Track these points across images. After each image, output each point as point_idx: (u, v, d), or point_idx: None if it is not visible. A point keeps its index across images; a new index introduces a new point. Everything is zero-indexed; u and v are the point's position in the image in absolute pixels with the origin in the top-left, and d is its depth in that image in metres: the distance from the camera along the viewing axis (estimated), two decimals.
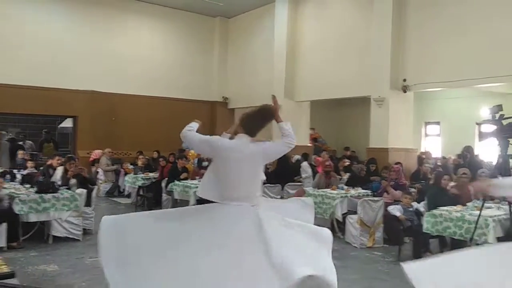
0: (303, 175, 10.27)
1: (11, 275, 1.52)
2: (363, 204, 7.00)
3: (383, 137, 10.29)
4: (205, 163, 10.38)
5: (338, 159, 12.30)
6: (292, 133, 3.21)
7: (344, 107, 15.49)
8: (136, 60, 14.03)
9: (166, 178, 9.49)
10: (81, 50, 13.07)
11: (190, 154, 10.94)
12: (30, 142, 13.34)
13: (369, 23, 10.85)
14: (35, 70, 12.16)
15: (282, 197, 9.02)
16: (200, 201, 8.03)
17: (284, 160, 10.01)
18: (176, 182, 9.02)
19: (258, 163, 3.22)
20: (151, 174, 10.41)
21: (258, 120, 3.31)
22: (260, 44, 14.41)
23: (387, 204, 6.98)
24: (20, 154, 10.96)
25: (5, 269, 4.70)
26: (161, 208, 9.35)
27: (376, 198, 7.31)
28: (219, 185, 3.17)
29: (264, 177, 3.43)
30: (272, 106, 3.35)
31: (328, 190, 7.87)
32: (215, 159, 3.26)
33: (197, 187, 8.53)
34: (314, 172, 9.97)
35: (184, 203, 8.67)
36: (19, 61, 11.99)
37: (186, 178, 9.19)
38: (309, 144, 13.13)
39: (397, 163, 8.90)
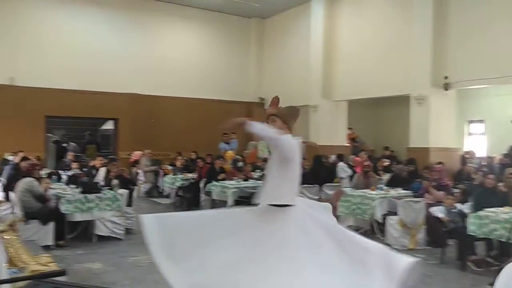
0: (342, 175, 10.17)
1: (62, 273, 1.57)
2: (403, 205, 6.85)
3: (424, 136, 10.04)
4: (239, 164, 10.45)
5: (376, 159, 12.10)
6: None
7: (382, 106, 15.22)
8: (174, 62, 14.27)
9: (204, 179, 9.60)
10: (122, 54, 13.41)
11: (227, 155, 11.04)
12: (73, 144, 13.80)
13: (408, 20, 10.61)
14: (79, 74, 12.56)
15: (320, 198, 8.95)
16: (238, 202, 8.14)
17: (319, 161, 9.94)
18: (214, 182, 9.11)
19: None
20: (189, 175, 10.55)
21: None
22: (296, 43, 14.35)
23: (429, 205, 6.79)
24: (69, 155, 11.37)
25: (54, 266, 4.89)
26: (199, 208, 9.49)
27: (417, 199, 7.14)
28: (292, 187, 3.18)
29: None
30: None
31: (367, 190, 7.75)
32: (289, 161, 3.18)
33: (235, 187, 8.64)
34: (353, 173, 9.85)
35: (222, 203, 8.76)
36: (64, 67, 12.41)
37: (224, 179, 9.27)
38: (347, 144, 12.97)
39: (438, 163, 8.66)
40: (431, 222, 6.49)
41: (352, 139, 13.65)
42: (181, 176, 10.53)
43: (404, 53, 10.66)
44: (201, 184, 9.63)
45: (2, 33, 11.84)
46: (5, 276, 2.68)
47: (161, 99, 13.90)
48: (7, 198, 7.60)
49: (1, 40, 11.79)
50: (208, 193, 9.26)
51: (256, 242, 2.95)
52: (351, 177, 9.74)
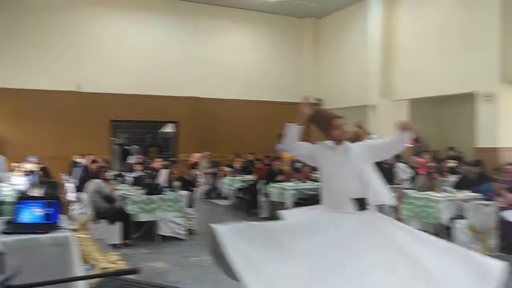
0: (402, 177, 9.82)
1: (135, 271, 1.62)
2: (472, 208, 6.51)
3: (492, 136, 9.51)
4: (298, 165, 10.37)
5: (440, 160, 11.58)
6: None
7: (445, 105, 14.56)
8: (231, 65, 14.47)
9: (263, 181, 9.62)
10: (181, 59, 13.76)
11: (285, 156, 11.00)
12: (136, 146, 14.33)
13: (471, 14, 10.12)
14: (140, 80, 13.04)
15: None
16: (298, 203, 8.09)
17: (377, 161, 9.64)
18: (272, 184, 9.11)
19: (364, 165, 3.13)
20: (248, 177, 10.62)
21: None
22: (353, 42, 14.09)
23: (501, 209, 6.40)
24: (137, 158, 11.83)
25: (122, 264, 5.09)
26: (258, 210, 9.54)
27: (487, 202, 6.75)
28: (329, 194, 3.12)
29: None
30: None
31: (432, 192, 7.43)
32: (321, 167, 3.18)
33: (293, 189, 8.61)
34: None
35: (281, 205, 8.74)
36: (126, 73, 12.93)
37: (282, 180, 9.24)
38: (409, 145, 12.53)
39: (509, 164, 8.15)
40: (505, 227, 6.11)
41: (415, 140, 13.16)
42: (240, 178, 10.62)
43: (468, 49, 10.16)
44: (260, 186, 9.66)
45: (69, 43, 12.52)
46: (81, 272, 2.82)
47: (219, 102, 14.13)
48: (78, 199, 8.03)
49: (69, 49, 12.47)
50: (267, 195, 9.27)
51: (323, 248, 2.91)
52: (412, 178, 9.39)
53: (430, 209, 7.09)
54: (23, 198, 3.14)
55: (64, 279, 2.40)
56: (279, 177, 9.35)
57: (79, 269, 2.91)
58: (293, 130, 3.21)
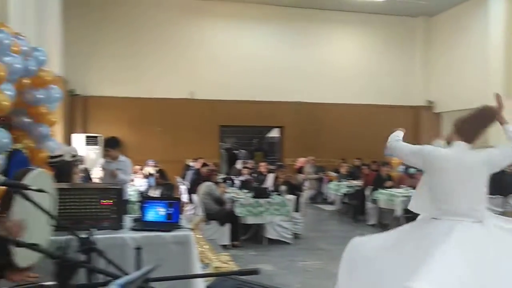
0: None
1: (255, 272, 1.65)
2: None
3: None
4: (412, 170, 9.88)
5: None
6: None
7: None
8: (337, 69, 14.30)
9: (370, 186, 9.35)
10: (287, 64, 13.92)
11: (394, 161, 10.57)
12: (244, 151, 14.79)
13: None
14: (247, 85, 13.45)
15: (505, 211, 7.95)
16: (408, 211, 7.70)
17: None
18: (381, 190, 8.81)
19: (480, 173, 2.84)
20: (354, 182, 10.40)
21: (477, 123, 2.95)
22: (470, 41, 13.08)
23: None
24: (244, 162, 12.27)
25: (232, 264, 5.27)
26: (365, 216, 9.29)
27: None
28: (434, 199, 2.91)
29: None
30: (493, 107, 2.95)
31: None
32: (429, 171, 2.98)
33: (403, 196, 8.21)
34: None
35: (389, 212, 8.42)
36: (234, 79, 13.42)
37: (391, 186, 8.89)
38: None
39: None
40: None
41: None
42: (346, 183, 10.44)
43: None
44: (367, 192, 9.40)
45: (183, 53, 13.34)
46: (199, 270, 2.98)
47: (324, 106, 14.03)
48: (190, 200, 8.51)
49: (183, 59, 13.29)
50: (375, 201, 8.98)
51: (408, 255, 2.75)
52: None
53: None
54: (148, 198, 3.40)
55: (192, 275, 2.56)
56: (388, 183, 9.01)
57: (198, 267, 3.08)
58: (398, 135, 3.18)
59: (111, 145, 5.77)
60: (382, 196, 8.69)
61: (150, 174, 10.03)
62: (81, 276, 1.60)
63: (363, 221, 9.27)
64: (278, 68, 13.79)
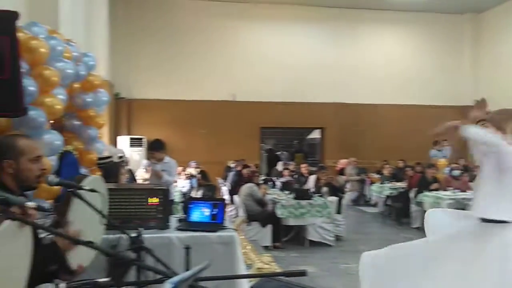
0: None
1: (303, 274, 1.65)
2: None
3: None
4: (456, 172, 9.58)
5: None
6: None
7: None
8: (379, 69, 14.04)
9: (415, 188, 9.12)
10: (328, 64, 13.80)
11: (439, 163, 10.27)
12: (285, 152, 14.79)
13: None
14: (288, 87, 13.42)
15: None
16: None
17: None
18: (426, 193, 8.57)
19: None
20: (398, 184, 10.18)
21: None
22: None
23: None
24: (285, 164, 12.27)
25: (274, 266, 5.27)
26: (409, 219, 9.06)
27: None
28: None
29: None
30: None
31: None
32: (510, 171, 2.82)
33: (450, 198, 7.96)
34: None
35: None
36: (275, 81, 13.42)
37: (437, 189, 8.64)
38: None
39: None
40: None
41: None
42: (389, 185, 10.23)
43: None
44: (411, 194, 9.17)
45: (225, 55, 13.47)
46: (244, 271, 3.01)
47: (366, 107, 13.82)
48: (231, 202, 8.58)
49: (224, 61, 13.42)
50: (419, 204, 8.75)
51: (466, 263, 2.63)
52: None
53: None
54: (193, 199, 3.47)
55: (239, 276, 2.59)
56: (434, 186, 8.76)
57: (242, 268, 3.11)
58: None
59: (156, 148, 5.93)
60: (428, 198, 8.45)
61: (192, 175, 10.20)
62: (131, 274, 1.65)
63: (407, 224, 9.06)
64: (319, 69, 13.70)
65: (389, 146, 13.32)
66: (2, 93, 2.81)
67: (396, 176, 10.97)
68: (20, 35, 3.00)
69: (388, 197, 10.04)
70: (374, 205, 11.16)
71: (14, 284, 1.46)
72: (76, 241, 1.40)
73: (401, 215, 9.36)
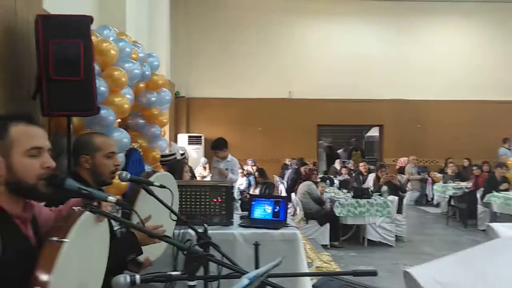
0: None
1: (373, 273, 1.63)
2: None
3: None
4: None
5: None
6: None
7: None
8: (442, 64, 13.48)
9: (482, 188, 8.69)
10: (386, 60, 13.44)
11: (509, 161, 9.71)
12: (342, 150, 14.59)
13: None
14: (345, 84, 13.18)
15: None
16: None
17: None
18: (495, 193, 8.14)
19: None
20: (462, 184, 9.74)
21: None
22: None
23: None
24: (342, 162, 12.11)
25: (334, 265, 5.22)
26: (475, 220, 8.66)
27: None
28: None
29: None
30: None
31: None
32: None
33: None
34: None
35: (505, 217, 7.75)
36: (332, 77, 13.23)
37: (507, 189, 8.18)
38: None
39: None
40: None
41: None
42: (453, 184, 9.81)
43: None
44: (478, 194, 8.75)
45: (281, 53, 13.44)
46: (306, 269, 3.00)
47: (428, 103, 13.34)
48: (289, 199, 8.57)
49: (281, 59, 13.41)
50: (487, 205, 8.34)
51: None
52: None
53: None
54: (255, 196, 3.51)
55: (306, 273, 2.59)
56: (503, 186, 8.29)
57: (305, 266, 3.10)
58: None
59: (219, 146, 6.06)
60: (497, 199, 8.04)
61: (249, 173, 10.29)
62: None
63: (473, 225, 8.66)
64: (377, 65, 13.37)
65: (453, 144, 12.78)
66: (77, 94, 2.98)
67: (460, 175, 10.51)
68: (92, 38, 3.16)
69: (451, 197, 9.63)
70: (437, 205, 10.77)
71: (96, 273, 1.55)
72: (153, 235, 1.46)
73: (466, 216, 8.96)
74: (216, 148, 6.14)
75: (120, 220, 1.56)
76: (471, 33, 13.80)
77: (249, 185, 9.97)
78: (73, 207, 1.41)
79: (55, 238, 1.30)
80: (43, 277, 1.25)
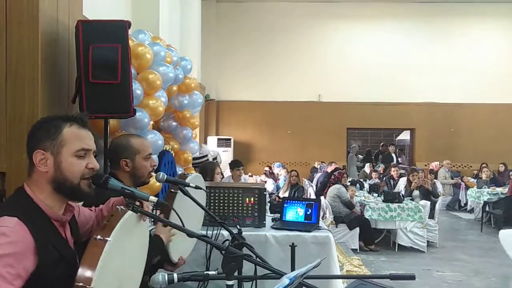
0: None
1: (412, 277, 1.61)
2: None
3: None
4: None
5: None
6: None
7: None
8: (477, 67, 13.15)
9: None
10: (418, 63, 13.24)
11: None
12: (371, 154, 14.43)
13: None
14: (376, 87, 13.07)
15: None
16: None
17: None
18: None
19: None
20: (498, 189, 9.48)
21: None
22: None
23: None
24: (372, 166, 12.00)
25: (364, 268, 5.17)
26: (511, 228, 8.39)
27: None
28: None
29: None
30: None
31: None
32: None
33: None
34: None
35: None
36: (362, 81, 13.13)
37: None
38: None
39: None
40: None
41: None
42: (488, 190, 9.55)
43: None
44: None
45: (310, 56, 13.43)
46: (337, 272, 2.99)
47: (461, 106, 13.06)
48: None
49: (310, 62, 13.39)
50: None
51: None
52: None
53: None
54: (287, 199, 3.52)
55: (341, 276, 2.59)
56: None
57: (338, 268, 3.10)
58: None
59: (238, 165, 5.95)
60: None
61: (278, 176, 10.30)
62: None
63: None
64: (408, 67, 13.19)
65: (488, 149, 12.48)
66: (114, 97, 3.06)
67: (495, 180, 10.22)
68: (129, 42, 3.24)
69: (486, 202, 9.38)
70: (470, 211, 10.51)
71: (135, 270, 1.59)
72: (194, 236, 1.50)
73: (502, 223, 8.70)
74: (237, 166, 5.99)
75: (162, 220, 1.60)
76: (506, 34, 13.43)
77: (277, 189, 9.96)
78: (117, 206, 1.46)
79: (99, 236, 1.35)
80: (87, 273, 1.29)
